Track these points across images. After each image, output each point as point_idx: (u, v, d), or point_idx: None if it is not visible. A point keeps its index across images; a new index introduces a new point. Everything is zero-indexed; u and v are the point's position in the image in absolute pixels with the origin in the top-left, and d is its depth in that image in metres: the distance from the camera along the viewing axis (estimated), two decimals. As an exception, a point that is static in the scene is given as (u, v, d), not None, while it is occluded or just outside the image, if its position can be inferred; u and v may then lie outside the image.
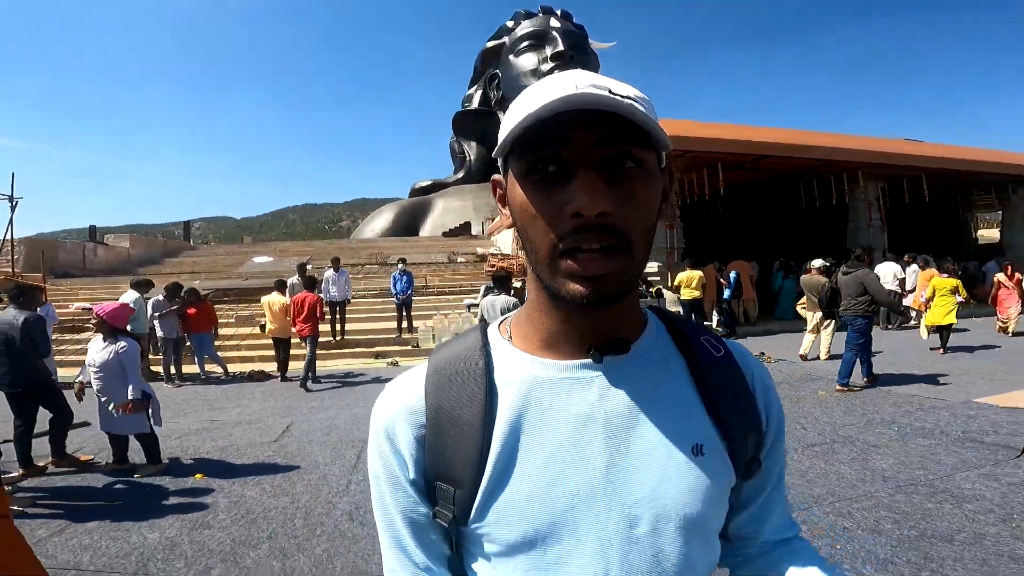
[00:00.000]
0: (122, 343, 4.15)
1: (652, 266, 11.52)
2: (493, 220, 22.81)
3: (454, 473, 0.56)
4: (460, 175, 30.03)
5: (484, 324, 0.65)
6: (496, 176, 0.61)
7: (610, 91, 0.49)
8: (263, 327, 10.11)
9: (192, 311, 8.11)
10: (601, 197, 0.49)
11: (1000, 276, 9.57)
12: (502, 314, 5.36)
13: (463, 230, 25.34)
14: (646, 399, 0.56)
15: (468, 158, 29.66)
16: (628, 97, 0.49)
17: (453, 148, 31.08)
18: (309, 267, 15.87)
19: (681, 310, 9.89)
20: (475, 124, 28.93)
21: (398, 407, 0.59)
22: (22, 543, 1.85)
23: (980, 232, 22.96)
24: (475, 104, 29.55)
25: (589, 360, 0.56)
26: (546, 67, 25.62)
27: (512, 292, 5.93)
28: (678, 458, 0.55)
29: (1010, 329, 9.28)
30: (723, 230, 17.16)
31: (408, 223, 28.32)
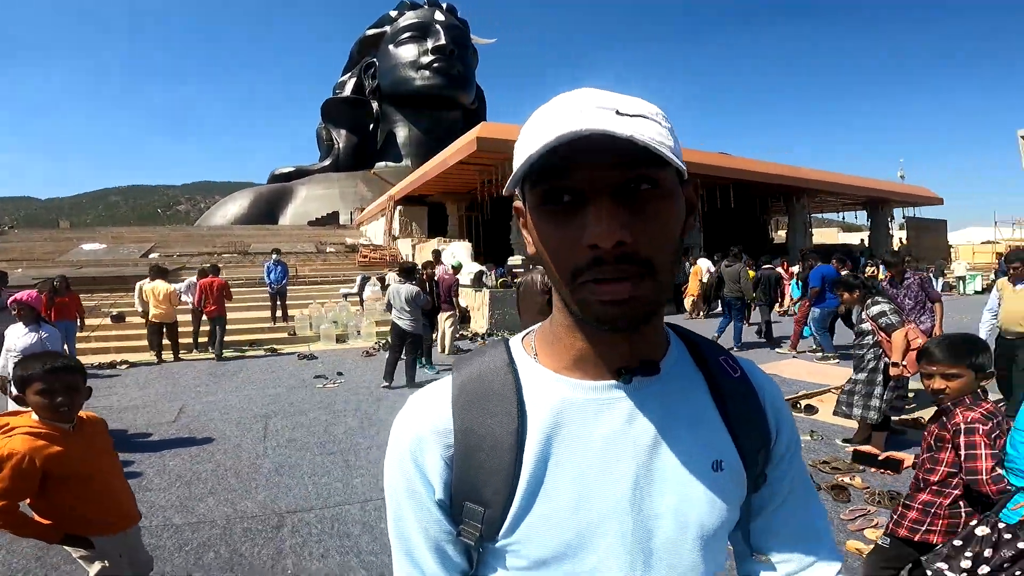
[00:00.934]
0: (45, 330, 4.18)
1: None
2: (363, 210, 22.56)
3: (484, 493, 0.56)
4: (327, 163, 29.03)
5: (507, 340, 0.64)
6: (517, 203, 0.60)
7: (617, 111, 0.48)
8: (119, 317, 9.59)
9: (64, 299, 7.58)
10: (617, 226, 0.48)
11: (779, 270, 12.25)
12: (407, 303, 6.11)
13: (330, 219, 24.61)
14: (671, 418, 0.57)
15: (337, 146, 28.76)
16: (637, 115, 0.49)
17: (320, 135, 29.90)
18: (155, 256, 14.67)
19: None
20: (347, 112, 28.13)
21: (425, 427, 0.58)
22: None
23: (778, 233, 27.11)
24: (348, 91, 28.69)
25: (618, 381, 0.56)
26: (426, 59, 25.77)
27: (414, 282, 6.51)
28: (699, 474, 0.56)
29: (788, 309, 12.02)
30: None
31: (266, 210, 26.75)
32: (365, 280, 11.81)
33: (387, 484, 0.61)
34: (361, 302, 11.28)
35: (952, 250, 24.90)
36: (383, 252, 16.06)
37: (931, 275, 11.75)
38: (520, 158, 0.50)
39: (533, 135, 0.49)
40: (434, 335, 8.25)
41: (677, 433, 0.57)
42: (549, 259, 0.53)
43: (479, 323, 10.51)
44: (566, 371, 0.58)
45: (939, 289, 9.69)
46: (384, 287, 10.43)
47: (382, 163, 27.75)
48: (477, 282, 10.69)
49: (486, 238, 16.68)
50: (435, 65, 26.10)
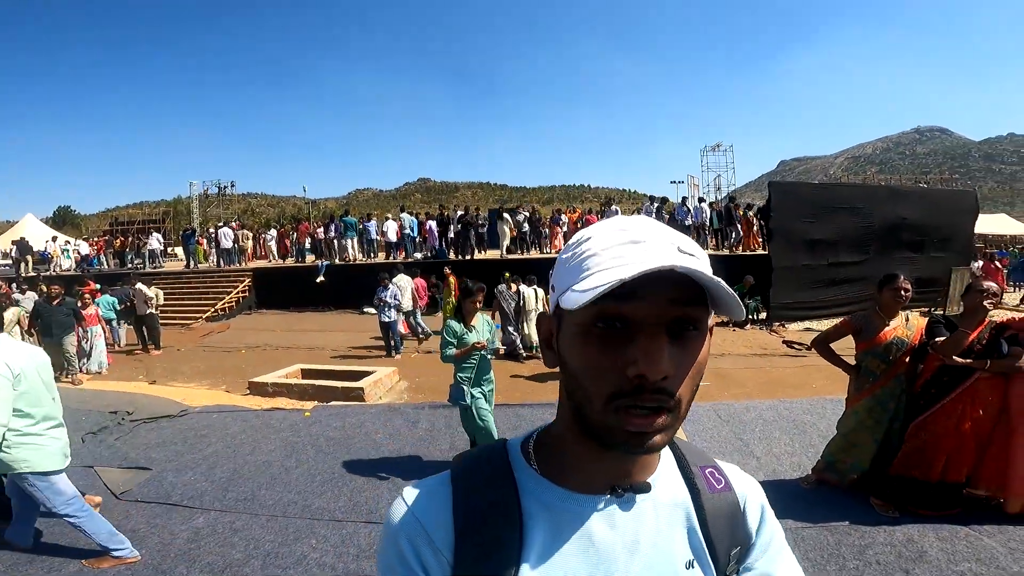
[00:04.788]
0: None
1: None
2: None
3: None
4: None
5: (506, 443, 0.66)
6: (542, 313, 0.63)
7: (679, 248, 0.51)
8: None
9: None
10: (666, 360, 0.50)
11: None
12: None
13: None
14: (652, 530, 0.60)
15: None
16: (693, 254, 0.51)
17: None
18: None
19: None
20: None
21: (422, 524, 0.59)
22: None
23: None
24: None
25: (610, 496, 0.59)
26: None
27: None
28: (675, 572, 0.60)
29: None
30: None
31: None
32: None
33: (383, 570, 0.62)
34: None
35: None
36: None
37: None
38: (575, 273, 0.54)
39: (595, 253, 0.53)
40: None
41: (659, 544, 0.61)
42: (587, 378, 0.53)
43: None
44: (564, 480, 0.61)
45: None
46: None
47: None
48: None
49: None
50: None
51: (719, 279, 0.49)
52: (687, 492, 0.65)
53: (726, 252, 15.41)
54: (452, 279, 10.92)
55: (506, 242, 15.91)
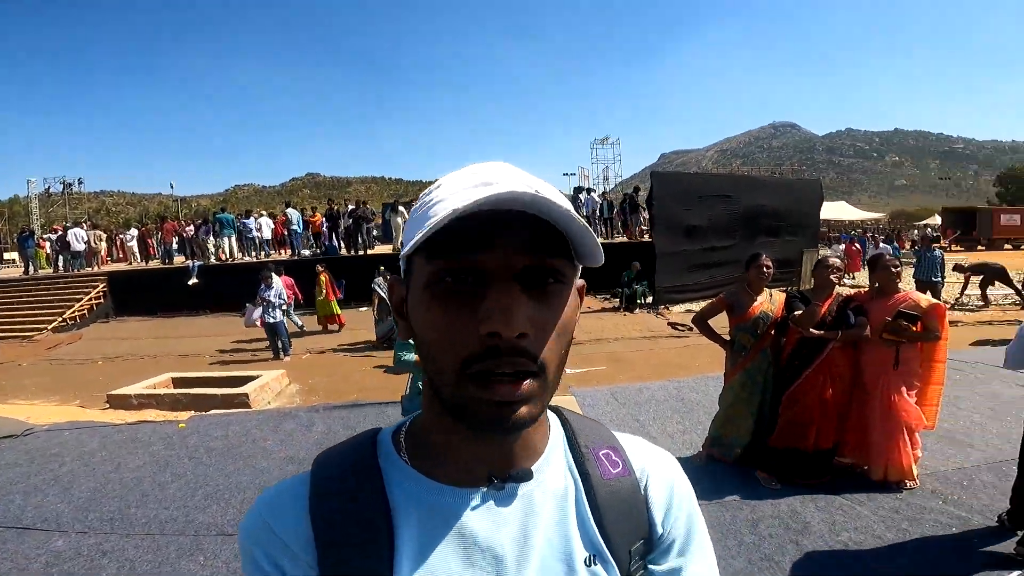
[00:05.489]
0: None
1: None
2: None
3: None
4: None
5: (376, 433, 0.59)
6: (394, 277, 0.54)
7: (537, 191, 0.43)
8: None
9: None
10: (521, 315, 0.44)
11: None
12: None
13: None
14: (542, 524, 0.54)
15: None
16: (552, 199, 0.44)
17: None
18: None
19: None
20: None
21: (273, 531, 0.52)
22: None
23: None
24: None
25: (489, 489, 0.53)
26: None
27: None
28: (573, 572, 0.53)
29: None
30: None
31: None
32: None
33: None
34: None
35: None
36: None
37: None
38: (424, 219, 0.46)
39: (442, 199, 0.46)
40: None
41: (549, 538, 0.54)
42: (437, 344, 0.47)
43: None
44: (436, 472, 0.53)
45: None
46: None
47: None
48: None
49: None
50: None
51: (574, 213, 0.44)
52: (579, 478, 0.58)
53: (623, 239, 16.19)
54: (324, 276, 10.53)
55: (401, 236, 15.48)
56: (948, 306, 5.11)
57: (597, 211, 16.86)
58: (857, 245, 17.95)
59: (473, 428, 0.48)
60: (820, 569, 2.69)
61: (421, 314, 0.48)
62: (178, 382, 6.96)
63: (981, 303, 11.63)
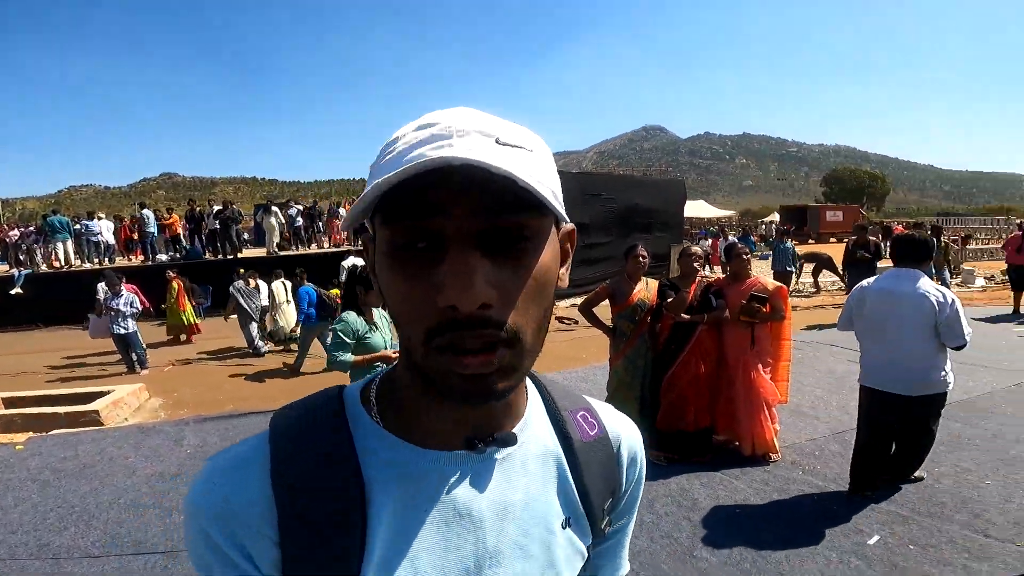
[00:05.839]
0: None
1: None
2: None
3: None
4: None
5: (341, 390, 0.54)
6: (366, 236, 0.50)
7: (498, 139, 0.41)
8: None
9: None
10: (481, 284, 0.39)
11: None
12: None
13: None
14: (522, 488, 0.52)
15: None
16: (518, 146, 0.42)
17: None
18: None
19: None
20: None
21: (236, 497, 0.46)
22: None
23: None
24: None
25: (467, 452, 0.49)
26: None
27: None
28: (553, 535, 0.53)
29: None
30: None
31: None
32: None
33: (194, 558, 0.48)
34: None
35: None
36: None
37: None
38: (372, 179, 0.43)
39: (392, 157, 0.42)
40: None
41: (529, 502, 0.53)
42: (401, 314, 0.44)
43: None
44: (409, 435, 0.50)
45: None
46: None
47: None
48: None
49: None
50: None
51: (517, 175, 0.38)
52: (558, 443, 0.56)
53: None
54: (176, 283, 9.63)
55: (276, 238, 14.47)
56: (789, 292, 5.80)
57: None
58: (719, 240, 19.97)
59: (446, 399, 0.44)
60: (713, 542, 2.91)
61: (384, 281, 0.45)
62: (9, 402, 6.11)
63: (813, 289, 13.42)
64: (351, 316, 3.09)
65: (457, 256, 0.40)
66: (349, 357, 3.01)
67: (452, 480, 0.49)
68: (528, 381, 0.58)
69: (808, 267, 13.59)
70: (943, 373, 3.01)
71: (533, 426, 0.55)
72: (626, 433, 0.63)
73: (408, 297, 0.42)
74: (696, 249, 3.95)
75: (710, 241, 18.57)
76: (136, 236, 14.79)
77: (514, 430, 0.52)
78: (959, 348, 2.98)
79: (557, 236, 0.47)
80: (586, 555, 0.58)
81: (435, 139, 0.41)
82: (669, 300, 3.76)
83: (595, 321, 4.15)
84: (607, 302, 4.08)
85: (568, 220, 0.47)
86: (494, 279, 0.41)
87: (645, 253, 3.99)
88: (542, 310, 0.45)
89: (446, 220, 0.40)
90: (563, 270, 0.49)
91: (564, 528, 0.54)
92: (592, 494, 0.57)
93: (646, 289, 3.98)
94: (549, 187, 0.42)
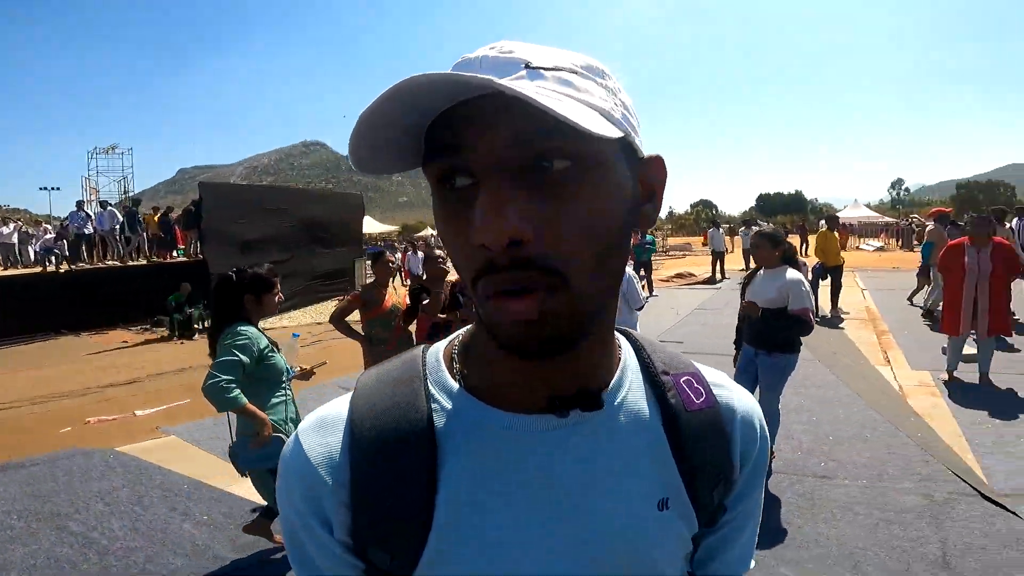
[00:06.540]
0: None
1: None
2: None
3: (390, 541, 0.45)
4: None
5: (424, 350, 0.52)
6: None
7: (528, 64, 0.38)
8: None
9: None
10: (513, 217, 0.36)
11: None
12: None
13: None
14: (614, 458, 0.47)
15: None
16: (554, 68, 0.38)
17: None
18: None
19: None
20: None
21: (316, 458, 0.46)
22: None
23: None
24: None
25: (551, 415, 0.46)
26: None
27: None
28: (643, 516, 0.47)
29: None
30: None
31: None
32: None
33: (283, 520, 0.49)
34: None
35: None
36: None
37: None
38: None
39: (426, 85, 0.35)
40: None
41: (620, 474, 0.47)
42: (455, 267, 0.43)
43: None
44: (491, 397, 0.47)
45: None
46: None
47: None
48: None
49: None
50: None
51: (574, 100, 0.37)
52: (657, 409, 0.50)
53: (144, 262, 13.76)
54: None
55: None
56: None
57: (115, 228, 13.84)
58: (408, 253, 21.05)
59: (505, 350, 0.41)
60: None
61: (438, 230, 0.43)
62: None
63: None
64: (247, 329, 2.47)
65: (487, 190, 0.37)
66: (242, 398, 2.33)
67: (530, 445, 0.45)
68: (623, 340, 0.54)
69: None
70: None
71: (625, 389, 0.50)
72: (742, 405, 0.54)
73: (452, 242, 0.41)
74: (440, 253, 4.15)
75: (399, 253, 19.82)
76: None
77: (604, 395, 0.47)
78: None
79: (627, 165, 0.42)
80: (690, 544, 0.51)
81: (464, 69, 0.39)
82: (426, 302, 3.94)
83: (347, 331, 4.10)
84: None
85: (641, 147, 0.43)
86: (530, 213, 0.37)
87: (393, 259, 4.19)
88: (599, 248, 0.40)
89: (475, 153, 0.37)
90: (647, 207, 0.45)
91: (661, 509, 0.48)
92: (697, 473, 0.49)
93: (395, 294, 4.14)
94: (600, 108, 0.39)
